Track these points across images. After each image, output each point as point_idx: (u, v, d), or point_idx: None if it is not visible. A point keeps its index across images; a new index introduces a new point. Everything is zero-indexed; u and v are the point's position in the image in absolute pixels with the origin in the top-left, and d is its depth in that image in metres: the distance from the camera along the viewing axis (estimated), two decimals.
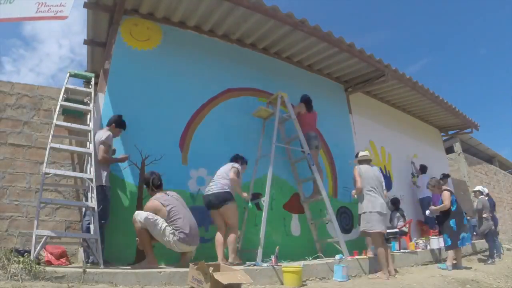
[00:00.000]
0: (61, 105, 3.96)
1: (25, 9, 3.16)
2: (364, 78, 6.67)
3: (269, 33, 5.39)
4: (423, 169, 7.75)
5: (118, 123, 4.05)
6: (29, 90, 4.46)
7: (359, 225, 4.58)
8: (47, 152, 3.47)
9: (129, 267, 3.20)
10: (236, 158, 4.41)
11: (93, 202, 3.42)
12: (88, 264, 3.29)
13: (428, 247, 5.88)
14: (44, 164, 3.40)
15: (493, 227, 6.42)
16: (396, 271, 4.43)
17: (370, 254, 4.84)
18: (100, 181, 3.66)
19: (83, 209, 3.85)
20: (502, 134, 44.85)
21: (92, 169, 3.59)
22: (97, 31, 5.00)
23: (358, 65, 6.23)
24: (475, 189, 7.16)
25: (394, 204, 6.55)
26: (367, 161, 4.80)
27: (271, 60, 5.91)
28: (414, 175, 7.86)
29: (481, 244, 7.07)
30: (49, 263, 3.36)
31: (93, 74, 4.58)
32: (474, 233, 7.36)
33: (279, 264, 3.66)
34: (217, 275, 2.55)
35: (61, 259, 3.55)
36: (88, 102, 4.30)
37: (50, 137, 3.59)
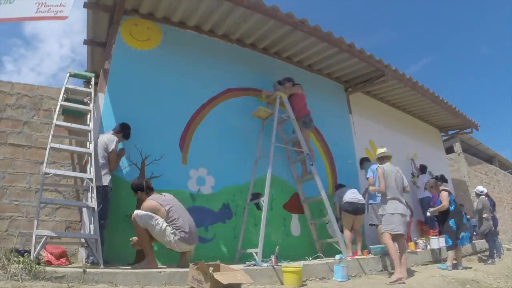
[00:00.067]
0: (61, 105, 3.96)
1: (25, 9, 3.16)
2: (364, 78, 6.68)
3: (269, 33, 5.39)
4: (423, 169, 7.75)
5: (126, 134, 4.07)
6: (29, 90, 4.46)
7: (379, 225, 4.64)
8: (47, 152, 3.47)
9: (129, 267, 3.19)
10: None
11: (93, 202, 3.42)
12: (88, 264, 3.30)
13: (428, 247, 5.87)
14: (44, 164, 3.40)
15: (493, 227, 6.42)
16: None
17: (370, 254, 4.85)
18: (101, 181, 3.66)
19: (84, 210, 3.85)
20: (502, 134, 44.84)
21: (92, 169, 3.60)
22: (97, 31, 5.00)
23: (358, 65, 6.24)
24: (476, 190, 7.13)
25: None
26: (388, 158, 4.76)
27: (271, 60, 5.91)
28: (414, 175, 7.86)
29: (481, 244, 7.07)
30: (49, 263, 3.35)
31: (93, 74, 4.58)
32: (474, 233, 7.35)
33: (279, 264, 3.66)
34: (217, 275, 2.55)
35: (61, 259, 3.54)
36: (88, 102, 4.30)
37: (50, 137, 3.60)
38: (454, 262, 5.06)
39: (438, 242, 5.98)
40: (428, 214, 5.69)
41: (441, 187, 5.48)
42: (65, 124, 4.03)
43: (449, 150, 10.87)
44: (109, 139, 3.87)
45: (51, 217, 4.08)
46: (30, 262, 2.56)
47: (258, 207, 4.87)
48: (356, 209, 5.04)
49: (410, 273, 4.38)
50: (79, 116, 4.37)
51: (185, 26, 5.11)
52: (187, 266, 2.89)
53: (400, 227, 4.24)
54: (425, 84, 7.19)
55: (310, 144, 5.47)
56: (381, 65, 6.16)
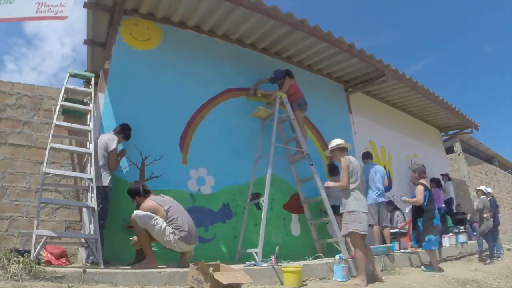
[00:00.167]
0: (61, 105, 3.96)
1: (25, 9, 3.17)
2: (364, 78, 6.68)
3: (269, 33, 5.39)
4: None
5: (126, 135, 4.07)
6: (29, 90, 4.46)
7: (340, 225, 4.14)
8: (47, 152, 3.47)
9: (129, 267, 3.19)
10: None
11: (93, 202, 3.42)
12: (88, 264, 3.30)
13: None
14: (44, 164, 3.40)
15: (492, 227, 6.42)
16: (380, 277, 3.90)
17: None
18: (101, 181, 3.66)
19: (84, 210, 3.85)
20: (502, 134, 44.84)
21: (92, 169, 3.60)
22: (97, 31, 5.00)
23: (358, 65, 6.23)
24: (478, 188, 7.12)
25: (392, 203, 6.55)
26: (346, 149, 4.32)
27: (271, 60, 5.91)
28: None
29: (471, 246, 7.06)
30: (49, 263, 3.35)
31: (93, 74, 4.58)
32: (474, 233, 7.36)
33: (279, 264, 3.66)
34: (217, 275, 2.55)
35: (61, 259, 3.54)
36: (88, 102, 4.30)
37: (50, 137, 3.60)
38: (427, 263, 4.95)
39: None
40: (402, 199, 5.43)
41: (421, 180, 5.06)
42: (65, 124, 4.03)
43: (449, 150, 10.87)
44: (109, 138, 3.88)
45: (51, 217, 4.08)
46: (30, 262, 2.56)
47: (258, 207, 4.87)
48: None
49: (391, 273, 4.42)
50: (79, 116, 4.37)
51: (185, 26, 5.11)
52: (187, 266, 2.89)
53: (366, 227, 3.94)
54: (425, 84, 7.21)
55: (304, 125, 5.47)
56: (381, 65, 6.16)
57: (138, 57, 4.62)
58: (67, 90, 4.16)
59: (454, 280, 4.12)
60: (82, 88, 4.36)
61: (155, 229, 3.34)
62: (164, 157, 4.30)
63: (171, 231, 3.36)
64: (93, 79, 4.48)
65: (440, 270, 4.70)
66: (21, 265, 2.51)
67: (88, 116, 4.14)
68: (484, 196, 6.66)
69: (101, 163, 3.77)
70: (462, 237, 6.83)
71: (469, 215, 8.35)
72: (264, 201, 4.32)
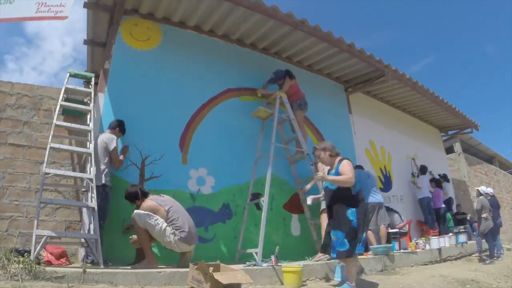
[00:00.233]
0: (61, 105, 3.96)
1: (25, 9, 3.17)
2: (364, 78, 6.68)
3: (269, 33, 5.39)
4: (423, 169, 7.75)
5: (122, 129, 4.08)
6: (29, 90, 4.46)
7: None
8: (47, 152, 3.47)
9: (129, 267, 3.19)
10: None
11: (93, 202, 3.42)
12: (88, 264, 3.30)
13: (428, 247, 5.88)
14: (44, 164, 3.40)
15: (492, 227, 6.42)
16: None
17: (370, 254, 4.85)
18: (101, 181, 3.66)
19: (84, 210, 3.85)
20: (502, 134, 44.81)
21: (92, 169, 3.60)
22: (97, 31, 5.00)
23: (358, 65, 6.24)
24: (477, 188, 7.10)
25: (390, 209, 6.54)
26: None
27: (271, 60, 5.91)
28: (414, 175, 7.87)
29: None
30: (49, 263, 3.35)
31: (93, 74, 4.58)
32: (474, 233, 7.36)
33: (279, 264, 3.66)
34: (217, 275, 2.56)
35: (61, 259, 3.54)
36: (88, 102, 4.30)
37: (50, 137, 3.60)
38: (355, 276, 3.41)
39: (438, 242, 6.00)
40: (308, 187, 4.98)
41: (340, 157, 3.61)
42: (65, 124, 4.03)
43: (449, 150, 10.88)
44: (108, 138, 3.88)
45: (51, 217, 4.08)
46: (30, 262, 2.56)
47: (258, 207, 4.87)
48: None
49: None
50: (79, 116, 4.37)
51: (185, 26, 5.11)
52: (187, 266, 2.89)
53: None
54: (426, 84, 7.21)
55: (304, 125, 5.46)
56: (381, 65, 6.16)
57: (138, 57, 4.62)
58: (67, 90, 4.16)
59: (454, 280, 4.12)
60: (82, 88, 4.36)
61: (156, 229, 3.34)
62: (164, 157, 4.30)
63: (171, 232, 3.36)
64: (93, 79, 4.48)
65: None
66: (21, 265, 2.51)
67: (88, 116, 4.14)
68: (482, 197, 6.65)
69: (101, 162, 3.78)
70: (462, 237, 6.83)
71: (469, 215, 8.36)
72: (264, 201, 4.33)
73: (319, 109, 6.14)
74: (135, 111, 4.35)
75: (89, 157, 3.77)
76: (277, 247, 3.85)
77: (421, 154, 8.38)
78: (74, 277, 2.57)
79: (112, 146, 3.83)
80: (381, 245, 5.03)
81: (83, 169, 4.22)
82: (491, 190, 7.05)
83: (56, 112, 3.86)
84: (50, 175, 3.48)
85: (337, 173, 3.44)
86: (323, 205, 4.57)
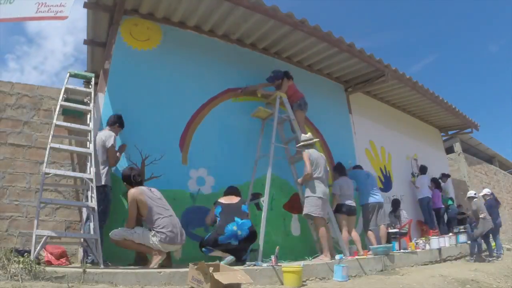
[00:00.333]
0: (61, 105, 3.96)
1: (25, 9, 3.16)
2: (364, 78, 6.68)
3: (269, 33, 5.39)
4: (423, 169, 7.75)
5: (121, 123, 4.07)
6: (29, 90, 4.46)
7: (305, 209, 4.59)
8: (47, 152, 3.46)
9: (129, 267, 3.19)
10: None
11: (93, 202, 3.42)
12: (88, 264, 3.30)
13: (428, 247, 5.88)
14: (44, 164, 3.40)
15: (492, 227, 6.41)
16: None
17: (370, 254, 4.85)
18: (101, 181, 3.66)
19: (83, 210, 3.85)
20: (502, 134, 44.78)
21: (92, 169, 3.59)
22: (97, 31, 5.00)
23: (358, 65, 6.24)
24: (468, 196, 7.07)
25: (394, 205, 6.54)
26: (312, 145, 4.81)
27: (271, 60, 5.91)
28: (414, 175, 7.86)
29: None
30: (49, 263, 3.36)
31: (93, 74, 4.58)
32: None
33: (279, 264, 3.66)
34: (217, 275, 2.55)
35: (61, 259, 3.55)
36: (88, 102, 4.30)
37: (50, 137, 3.59)
38: None
39: (438, 242, 6.00)
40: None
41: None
42: (65, 124, 4.03)
43: (449, 150, 10.88)
44: (106, 135, 3.86)
45: (51, 217, 4.08)
46: (30, 262, 2.56)
47: (258, 207, 4.87)
48: (349, 210, 5.13)
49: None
50: (79, 116, 4.37)
51: (185, 26, 5.11)
52: (171, 266, 2.87)
53: (320, 209, 4.49)
54: (427, 84, 7.27)
55: (304, 126, 5.47)
56: (381, 65, 6.16)
57: (138, 57, 4.62)
58: (67, 90, 4.16)
59: (454, 280, 4.12)
60: (82, 88, 4.36)
61: (135, 236, 3.36)
62: (164, 157, 4.30)
63: (152, 234, 3.34)
64: (93, 79, 4.47)
65: None
66: (21, 265, 2.51)
67: (88, 116, 4.13)
68: (476, 199, 6.67)
69: (100, 161, 3.77)
70: (462, 237, 6.83)
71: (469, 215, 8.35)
72: (264, 201, 4.33)
73: (319, 109, 6.14)
74: (135, 111, 4.35)
75: (89, 157, 3.77)
76: (277, 247, 3.85)
77: (421, 154, 8.38)
78: (74, 277, 2.57)
79: (109, 143, 3.81)
80: (381, 245, 5.04)
81: (83, 169, 4.22)
82: (489, 190, 7.02)
83: (56, 112, 3.86)
84: (50, 175, 3.48)
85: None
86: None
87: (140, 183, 3.62)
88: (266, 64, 5.80)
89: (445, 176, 8.45)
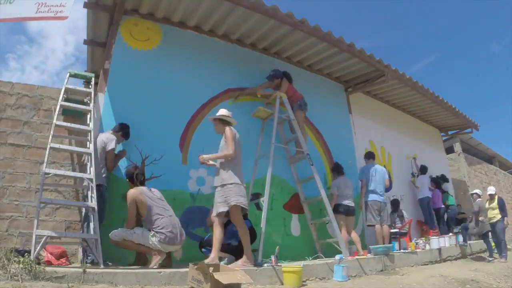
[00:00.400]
0: (61, 105, 3.96)
1: (25, 9, 3.16)
2: (364, 78, 6.68)
3: (269, 33, 5.39)
4: (423, 169, 7.75)
5: (125, 134, 4.08)
6: (29, 90, 4.46)
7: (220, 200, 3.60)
8: (47, 152, 3.46)
9: (129, 267, 3.19)
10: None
11: (93, 202, 3.42)
12: (88, 264, 3.30)
13: (428, 247, 5.88)
14: (44, 164, 3.40)
15: (489, 229, 6.41)
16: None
17: (370, 254, 4.85)
18: (98, 180, 3.66)
19: (83, 210, 3.85)
20: (502, 134, 44.75)
21: (92, 169, 3.59)
22: (97, 31, 5.00)
23: (358, 65, 6.24)
24: (472, 192, 7.08)
25: (394, 205, 6.54)
26: (229, 124, 3.86)
27: (271, 60, 5.91)
28: (414, 175, 7.86)
29: (480, 244, 7.07)
30: (49, 263, 3.36)
31: (93, 74, 4.58)
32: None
33: (279, 264, 3.66)
34: (217, 275, 2.55)
35: (61, 259, 3.55)
36: (88, 102, 4.30)
37: (50, 137, 3.59)
38: None
39: (438, 242, 6.00)
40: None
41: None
42: (65, 124, 4.02)
43: (449, 150, 10.87)
44: (108, 138, 3.88)
45: (51, 217, 4.08)
46: (30, 262, 2.56)
47: (258, 207, 4.87)
48: (347, 211, 5.14)
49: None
50: (79, 116, 4.37)
51: (185, 26, 5.11)
52: (170, 266, 2.86)
53: (244, 198, 3.57)
54: (428, 83, 7.27)
55: (304, 126, 5.47)
56: (381, 65, 6.16)
57: (138, 57, 4.62)
58: (67, 90, 4.16)
59: (454, 280, 4.12)
60: (82, 88, 4.36)
61: (134, 237, 3.36)
62: (164, 157, 4.30)
63: (151, 235, 3.34)
64: (93, 79, 4.47)
65: None
66: (21, 265, 2.51)
67: (88, 116, 4.13)
68: (480, 199, 6.65)
69: (100, 162, 3.78)
70: (462, 237, 6.82)
71: (470, 216, 8.34)
72: (264, 201, 4.33)
73: (319, 109, 6.14)
74: (135, 111, 4.35)
75: (89, 157, 3.77)
76: (277, 247, 3.85)
77: (421, 154, 8.37)
78: (74, 277, 2.57)
79: (109, 146, 3.83)
80: (381, 245, 5.04)
81: (83, 169, 4.22)
82: (493, 191, 6.90)
83: (56, 112, 3.85)
84: (50, 175, 3.48)
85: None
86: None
87: (142, 183, 3.64)
88: (266, 64, 5.80)
89: (444, 181, 8.38)
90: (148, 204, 3.40)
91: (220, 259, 3.66)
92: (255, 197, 4.80)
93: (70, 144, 4.28)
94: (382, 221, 5.51)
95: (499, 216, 6.43)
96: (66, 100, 4.14)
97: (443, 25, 47.77)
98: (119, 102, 4.31)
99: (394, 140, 7.76)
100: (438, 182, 7.92)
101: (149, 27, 4.83)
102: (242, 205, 3.52)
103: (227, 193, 3.53)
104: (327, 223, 5.33)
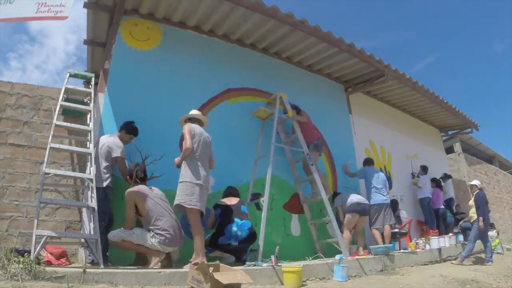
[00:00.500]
0: (61, 105, 3.96)
1: (25, 9, 3.17)
2: (364, 78, 6.68)
3: (269, 33, 5.39)
4: (425, 169, 7.74)
5: (128, 130, 4.06)
6: (29, 90, 4.46)
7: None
8: (47, 152, 3.47)
9: (130, 268, 3.19)
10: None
11: (93, 202, 3.42)
12: (88, 264, 3.30)
13: (428, 247, 5.88)
14: (44, 164, 3.40)
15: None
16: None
17: (370, 254, 4.85)
18: (102, 183, 3.65)
19: (83, 210, 3.85)
20: (502, 134, 44.73)
21: (92, 169, 3.60)
22: (97, 31, 5.00)
23: (358, 65, 6.24)
24: (472, 183, 6.80)
25: (392, 206, 6.54)
26: (198, 121, 3.89)
27: (271, 60, 5.91)
28: (414, 176, 7.85)
29: (479, 244, 7.06)
30: (49, 263, 3.36)
31: (93, 74, 4.58)
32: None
33: (279, 264, 3.65)
34: (217, 275, 2.55)
35: (61, 259, 3.55)
36: (88, 102, 4.30)
37: (50, 137, 3.60)
38: None
39: (438, 242, 5.99)
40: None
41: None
42: (65, 124, 4.03)
43: (449, 150, 10.87)
44: (115, 143, 3.85)
45: (51, 217, 4.08)
46: (30, 262, 2.56)
47: (258, 207, 4.86)
48: (364, 209, 5.14)
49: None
50: (79, 116, 4.37)
51: (185, 26, 5.11)
52: (170, 266, 2.85)
53: (199, 201, 3.43)
54: (429, 83, 7.28)
55: (316, 165, 5.28)
56: (381, 65, 6.16)
57: (138, 57, 4.62)
58: (67, 90, 4.16)
59: (454, 280, 4.12)
60: (82, 88, 4.36)
61: (133, 237, 3.34)
62: (164, 157, 4.30)
63: (150, 235, 3.32)
64: (93, 79, 4.48)
65: None
66: (21, 265, 2.51)
67: (88, 116, 4.14)
68: (479, 191, 6.35)
69: (103, 165, 3.75)
70: (462, 237, 6.82)
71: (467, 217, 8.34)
72: (264, 201, 4.33)
73: (319, 109, 6.14)
74: (135, 111, 4.34)
75: (89, 157, 3.77)
76: (277, 247, 3.85)
77: (421, 154, 8.37)
78: (74, 277, 2.57)
79: (117, 153, 3.80)
80: (381, 245, 5.04)
81: (83, 169, 4.22)
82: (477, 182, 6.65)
83: (56, 112, 3.86)
84: (50, 175, 3.48)
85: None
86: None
87: (142, 180, 3.62)
88: (266, 64, 5.81)
89: (446, 177, 8.43)
90: (148, 204, 3.38)
91: (221, 259, 3.66)
92: (255, 197, 4.80)
93: (70, 144, 4.29)
94: (385, 220, 5.52)
95: (475, 216, 5.83)
96: (66, 100, 4.14)
97: (443, 25, 47.68)
98: (119, 102, 4.30)
99: (394, 140, 7.76)
100: (438, 181, 7.92)
101: (149, 27, 4.83)
102: (182, 204, 3.39)
103: (177, 191, 3.50)
104: (327, 223, 5.34)
